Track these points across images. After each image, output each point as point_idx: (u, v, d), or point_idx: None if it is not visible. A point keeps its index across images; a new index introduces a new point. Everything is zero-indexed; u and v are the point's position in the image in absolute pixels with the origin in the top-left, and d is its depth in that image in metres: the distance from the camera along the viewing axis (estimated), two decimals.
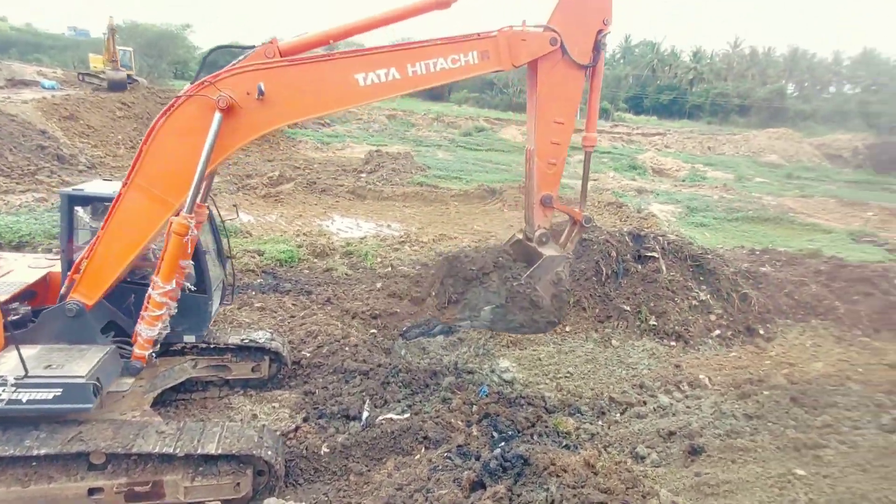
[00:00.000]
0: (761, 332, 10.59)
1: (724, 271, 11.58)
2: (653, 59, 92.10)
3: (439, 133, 42.68)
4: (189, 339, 6.18)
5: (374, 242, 14.30)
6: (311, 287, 11.13)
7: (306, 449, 6.21)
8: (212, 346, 6.90)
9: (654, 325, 10.45)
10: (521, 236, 6.66)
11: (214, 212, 6.55)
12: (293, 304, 10.02)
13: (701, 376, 8.38)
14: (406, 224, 16.79)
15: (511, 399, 7.64)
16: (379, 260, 13.04)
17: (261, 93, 4.57)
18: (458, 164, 28.10)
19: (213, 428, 5.34)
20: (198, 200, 5.27)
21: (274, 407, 7.06)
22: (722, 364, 9.33)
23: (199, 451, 5.01)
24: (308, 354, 8.17)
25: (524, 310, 6.21)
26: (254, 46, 5.02)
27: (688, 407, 7.07)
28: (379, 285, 11.24)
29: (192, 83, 4.77)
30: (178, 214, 4.92)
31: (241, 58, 4.94)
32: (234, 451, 5.11)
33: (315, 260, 12.82)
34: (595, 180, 28.02)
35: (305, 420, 6.82)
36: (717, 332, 10.52)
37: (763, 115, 72.57)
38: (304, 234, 14.60)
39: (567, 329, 10.54)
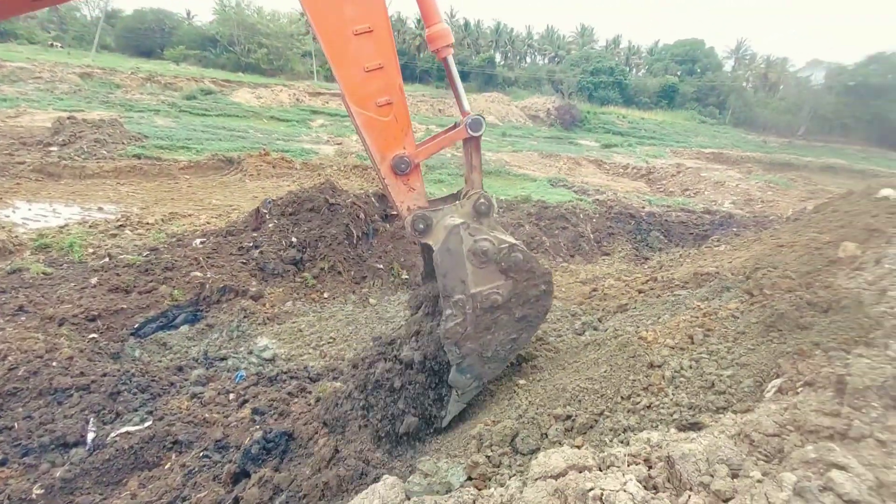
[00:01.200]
0: None
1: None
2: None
3: (155, 96, 36.87)
4: None
5: (80, 230, 11.75)
6: None
7: (9, 498, 4.90)
8: None
9: (405, 278, 11.16)
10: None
11: None
12: None
13: None
14: (124, 205, 14.22)
15: (272, 377, 7.29)
16: (91, 251, 10.80)
17: None
18: (185, 132, 24.84)
19: None
20: None
21: None
22: None
23: None
24: None
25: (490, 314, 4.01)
26: None
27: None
28: (94, 280, 9.35)
29: None
30: None
31: None
32: None
33: None
34: (339, 144, 28.12)
35: (2, 464, 5.35)
36: None
37: (479, 80, 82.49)
38: None
39: (325, 295, 10.50)
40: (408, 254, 11.54)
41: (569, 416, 3.68)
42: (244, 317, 9.25)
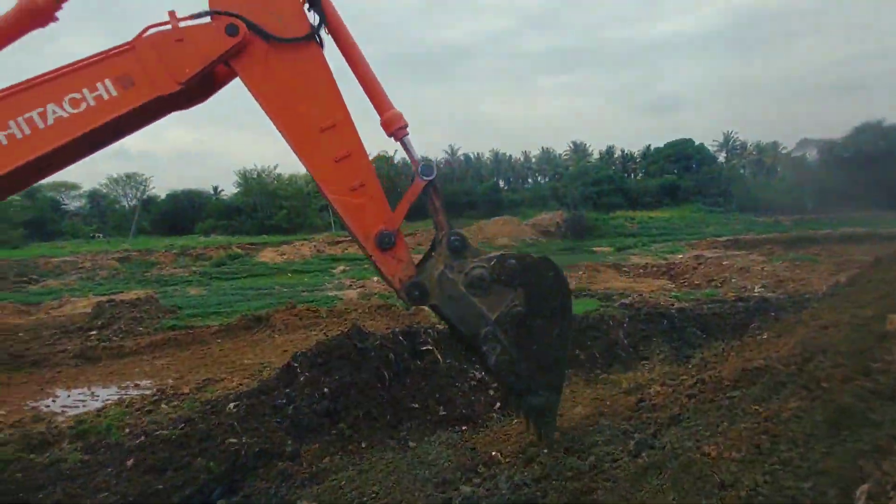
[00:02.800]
0: None
1: None
2: (388, 170, 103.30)
3: (187, 268, 39.06)
4: None
5: (117, 411, 11.81)
6: (29, 495, 8.47)
7: None
8: None
9: (443, 414, 10.74)
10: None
11: None
12: None
13: (493, 453, 8.77)
14: (159, 378, 14.41)
15: None
16: (127, 430, 10.76)
17: None
18: (215, 298, 25.90)
19: None
20: None
21: None
22: (508, 434, 9.99)
23: None
24: None
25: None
26: None
27: (487, 489, 7.25)
28: (131, 462, 9.18)
29: None
30: None
31: None
32: None
33: (32, 456, 9.89)
34: (362, 287, 28.88)
35: None
36: (498, 404, 11.35)
37: (486, 207, 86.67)
38: (11, 426, 11.29)
39: (363, 445, 10.08)
40: (442, 389, 11.24)
41: None
42: (282, 481, 8.85)
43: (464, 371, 12.15)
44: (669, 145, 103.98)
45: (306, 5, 3.78)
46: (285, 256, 44.64)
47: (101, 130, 3.46)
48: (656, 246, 44.10)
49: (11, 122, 3.18)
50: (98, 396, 13.22)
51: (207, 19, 3.52)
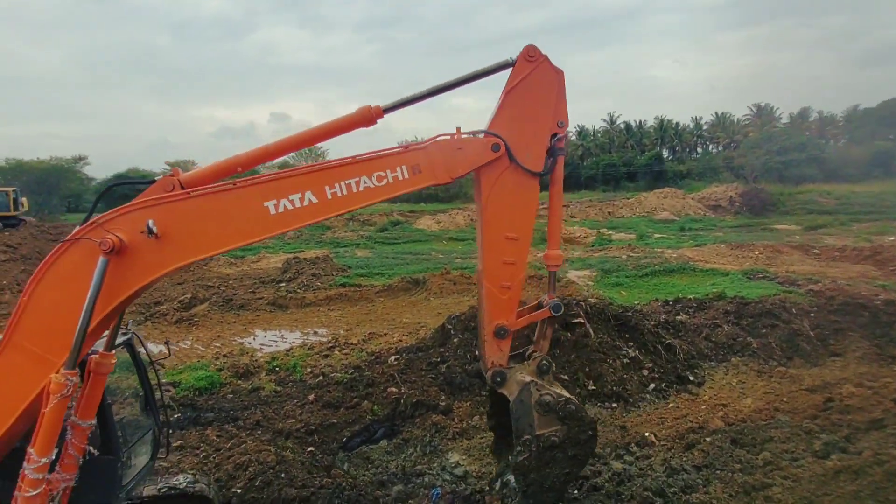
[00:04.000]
0: (691, 378, 11.01)
1: (646, 325, 12.14)
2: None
3: (356, 232, 43.07)
4: None
5: (301, 353, 13.67)
6: (237, 412, 10.29)
7: None
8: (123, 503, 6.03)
9: (593, 389, 10.57)
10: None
11: (144, 352, 5.95)
12: (217, 436, 9.14)
13: (646, 434, 8.45)
14: (333, 328, 16.30)
15: (466, 496, 7.23)
16: (308, 370, 12.41)
17: (151, 231, 4.00)
18: (379, 260, 28.23)
19: None
20: (102, 349, 4.72)
21: None
22: (663, 417, 9.51)
23: None
24: (239, 490, 7.35)
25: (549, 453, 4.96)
26: (154, 179, 4.51)
27: (640, 469, 7.04)
28: (311, 397, 10.61)
29: (82, 223, 4.15)
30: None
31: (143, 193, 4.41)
32: None
33: (239, 381, 11.96)
34: None
35: None
36: (652, 385, 10.81)
37: (648, 178, 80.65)
38: (224, 355, 13.71)
39: None
40: (593, 363, 11.02)
41: None
42: (435, 431, 9.54)
43: (616, 348, 11.74)
44: (885, 105, 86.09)
45: (549, 156, 4.88)
46: (441, 224, 46.79)
47: (382, 198, 4.78)
48: (859, 226, 37.28)
49: (336, 185, 4.44)
50: (286, 339, 15.40)
51: (481, 136, 4.69)
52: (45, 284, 4.08)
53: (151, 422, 6.12)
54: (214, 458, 8.33)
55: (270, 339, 15.40)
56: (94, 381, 4.64)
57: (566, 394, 5.06)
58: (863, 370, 10.92)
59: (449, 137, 4.64)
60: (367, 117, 4.73)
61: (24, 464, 4.07)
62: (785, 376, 11.02)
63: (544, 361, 5.12)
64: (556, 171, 4.91)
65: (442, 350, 12.10)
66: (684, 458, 6.96)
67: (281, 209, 4.28)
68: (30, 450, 4.07)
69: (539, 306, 5.22)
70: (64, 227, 30.43)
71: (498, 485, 5.57)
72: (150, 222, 4.00)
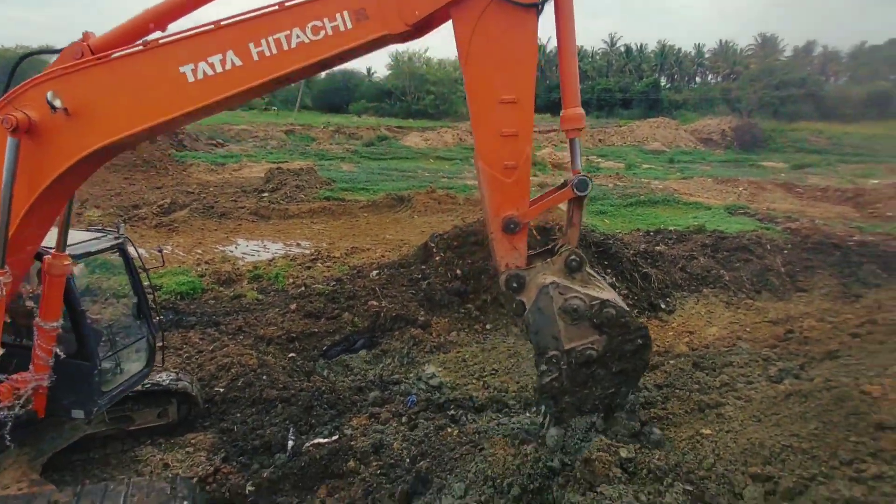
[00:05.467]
0: (662, 306, 11.41)
1: (626, 254, 12.36)
2: (540, 59, 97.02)
3: (341, 145, 41.98)
4: (78, 415, 5.26)
5: (283, 263, 13.73)
6: (219, 318, 10.47)
7: (229, 491, 5.79)
8: None
9: None
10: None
11: (136, 256, 5.84)
12: (200, 339, 9.35)
13: None
14: (316, 241, 16.30)
15: (440, 404, 7.62)
16: (291, 281, 12.54)
17: (53, 107, 3.53)
18: (364, 175, 27.79)
19: (116, 487, 4.81)
20: (54, 250, 4.43)
21: (188, 452, 6.52)
22: None
23: None
24: (222, 390, 7.64)
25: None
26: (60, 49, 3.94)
27: None
28: (293, 307, 10.80)
29: None
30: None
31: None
32: None
33: (221, 288, 12.07)
34: None
35: (225, 460, 6.36)
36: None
37: (643, 106, 78.82)
38: (206, 262, 13.72)
39: (488, 327, 10.75)
40: None
41: (770, 478, 3.22)
42: (413, 344, 9.87)
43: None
44: (893, 43, 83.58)
45: None
46: (429, 142, 45.75)
47: (331, 59, 3.76)
48: (845, 167, 37.48)
49: (263, 41, 3.56)
50: (268, 249, 15.41)
51: None
52: None
53: (145, 329, 6.09)
54: (197, 359, 8.57)
55: (252, 249, 15.39)
56: (50, 283, 4.47)
57: (604, 294, 4.05)
58: (826, 306, 11.40)
59: None
60: None
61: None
62: (751, 308, 11.48)
63: (573, 257, 4.08)
64: None
65: (423, 267, 12.24)
66: (647, 378, 7.35)
67: (200, 75, 3.60)
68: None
69: (563, 186, 4.25)
70: None
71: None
72: (49, 95, 3.53)
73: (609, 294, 4.06)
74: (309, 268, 13.52)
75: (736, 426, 4.01)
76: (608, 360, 4.03)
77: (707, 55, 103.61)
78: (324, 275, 12.95)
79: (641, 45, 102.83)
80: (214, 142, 36.84)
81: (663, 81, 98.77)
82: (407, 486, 5.35)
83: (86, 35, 3.90)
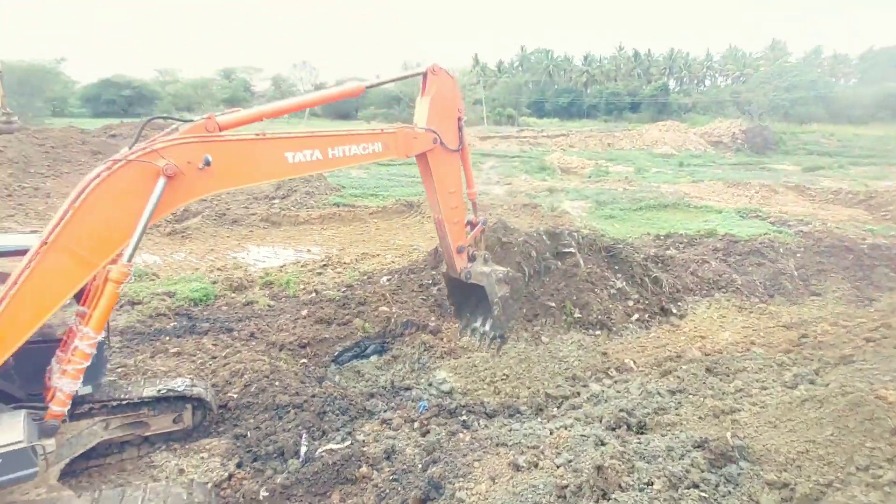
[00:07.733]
0: (674, 310, 11.36)
1: (636, 258, 12.33)
2: (548, 64, 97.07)
3: None
4: (85, 390, 5.65)
5: (294, 269, 13.83)
6: (232, 324, 10.55)
7: (243, 497, 5.84)
8: (124, 401, 6.32)
9: (578, 317, 10.89)
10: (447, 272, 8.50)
11: None
12: (213, 345, 9.44)
13: (626, 360, 8.83)
14: (326, 247, 16.40)
15: (451, 409, 7.63)
16: (302, 287, 12.61)
17: (207, 163, 4.96)
18: (374, 181, 27.92)
19: (133, 493, 4.89)
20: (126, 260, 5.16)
21: (203, 457, 6.57)
22: (644, 345, 9.90)
23: None
24: (235, 395, 7.70)
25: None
26: (192, 120, 5.48)
27: (618, 392, 7.42)
28: (304, 313, 10.86)
29: (130, 147, 4.98)
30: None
31: (172, 127, 5.41)
32: None
33: (233, 295, 12.17)
34: (509, 184, 28.95)
35: (239, 466, 6.41)
36: (636, 316, 11.16)
37: (652, 110, 78.60)
38: (219, 269, 13.84)
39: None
40: (580, 292, 11.28)
41: (786, 484, 3.20)
42: (424, 350, 9.89)
43: (604, 279, 11.98)
44: None
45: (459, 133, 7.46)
46: None
47: (361, 162, 6.66)
48: (857, 170, 37.06)
49: (337, 148, 6.12)
50: (279, 256, 15.51)
51: (422, 130, 6.93)
52: (97, 196, 4.73)
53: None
54: (210, 364, 8.64)
55: (264, 255, 15.51)
56: (110, 290, 4.98)
57: (502, 268, 8.32)
58: (839, 310, 11.29)
59: (410, 129, 6.77)
60: (356, 92, 6.64)
61: (77, 341, 4.93)
62: (764, 312, 11.39)
63: (485, 255, 8.18)
64: (464, 143, 7.50)
65: (433, 273, 12.28)
66: (660, 383, 7.33)
67: (296, 160, 5.79)
68: (85, 329, 4.91)
69: (473, 226, 8.22)
70: (50, 131, 29.44)
71: (469, 332, 9.09)
72: (208, 156, 4.97)
73: (503, 268, 8.23)
74: (320, 274, 13.59)
75: (751, 432, 4.00)
76: (513, 295, 8.10)
77: (716, 58, 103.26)
78: (334, 281, 13.02)
79: (649, 50, 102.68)
80: None
81: (672, 84, 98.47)
82: (420, 492, 5.37)
83: (211, 115, 5.49)
